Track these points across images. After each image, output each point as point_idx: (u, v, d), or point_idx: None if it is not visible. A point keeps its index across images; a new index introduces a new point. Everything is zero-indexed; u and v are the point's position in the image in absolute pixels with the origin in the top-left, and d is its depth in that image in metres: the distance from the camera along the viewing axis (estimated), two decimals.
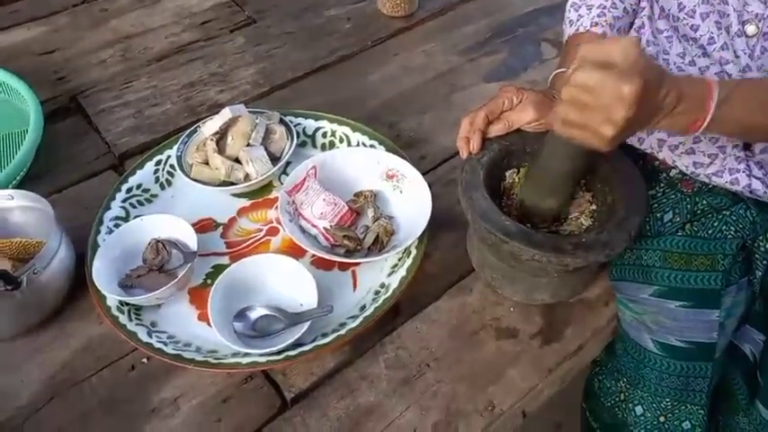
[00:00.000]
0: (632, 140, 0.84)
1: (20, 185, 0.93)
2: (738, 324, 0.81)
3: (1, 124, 1.04)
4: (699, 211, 0.78)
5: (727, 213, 0.77)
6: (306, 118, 1.00)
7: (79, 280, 0.81)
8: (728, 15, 0.68)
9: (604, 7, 0.82)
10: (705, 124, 0.60)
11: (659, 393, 0.76)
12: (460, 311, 0.82)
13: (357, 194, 0.91)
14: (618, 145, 0.59)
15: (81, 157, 1.01)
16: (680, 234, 0.78)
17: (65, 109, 1.10)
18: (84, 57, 1.20)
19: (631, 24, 0.85)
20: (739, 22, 0.68)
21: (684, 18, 0.73)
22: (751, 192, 0.73)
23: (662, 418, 0.77)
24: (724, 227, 0.76)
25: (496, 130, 0.77)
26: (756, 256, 0.77)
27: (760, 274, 0.77)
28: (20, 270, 0.73)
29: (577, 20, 0.83)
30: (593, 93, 0.55)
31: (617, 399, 0.81)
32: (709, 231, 0.77)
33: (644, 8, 0.81)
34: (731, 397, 0.81)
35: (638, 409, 0.78)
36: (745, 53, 0.69)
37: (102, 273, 0.79)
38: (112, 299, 0.77)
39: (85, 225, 0.86)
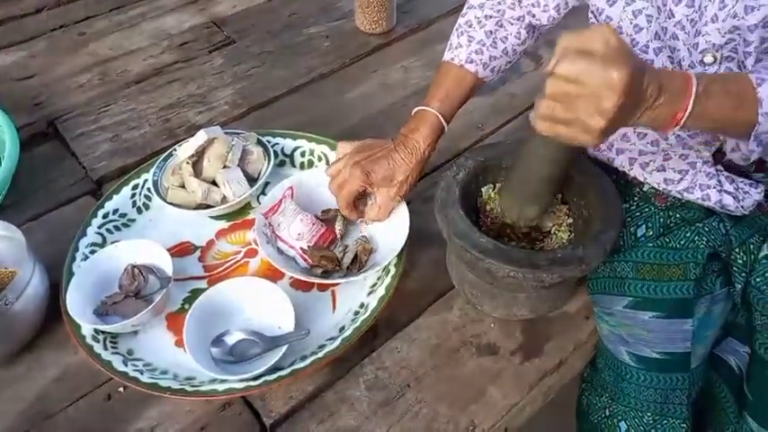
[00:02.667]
0: (604, 159, 0.84)
1: None
2: (721, 336, 0.81)
3: None
4: (672, 224, 0.78)
5: (700, 225, 0.77)
6: (284, 137, 1.00)
7: (54, 308, 0.79)
8: (679, 50, 0.67)
9: (484, 44, 0.82)
10: (685, 116, 0.57)
11: (640, 408, 0.76)
12: (441, 329, 0.82)
13: (325, 211, 0.90)
14: (598, 144, 0.56)
15: (58, 183, 1.00)
16: (651, 245, 0.78)
17: (42, 134, 1.09)
18: (62, 81, 1.19)
19: (508, 63, 0.85)
20: (691, 56, 0.66)
21: (639, 54, 0.71)
22: (722, 207, 0.73)
23: None
24: (696, 237, 0.76)
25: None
26: (734, 269, 0.77)
27: (740, 286, 0.77)
28: None
29: (457, 47, 0.83)
30: (580, 82, 0.51)
31: (602, 415, 0.80)
32: (681, 242, 0.77)
33: None
34: (720, 410, 0.81)
35: (623, 425, 0.77)
36: None
37: (76, 301, 0.77)
38: (87, 327, 0.76)
39: (62, 252, 0.85)
